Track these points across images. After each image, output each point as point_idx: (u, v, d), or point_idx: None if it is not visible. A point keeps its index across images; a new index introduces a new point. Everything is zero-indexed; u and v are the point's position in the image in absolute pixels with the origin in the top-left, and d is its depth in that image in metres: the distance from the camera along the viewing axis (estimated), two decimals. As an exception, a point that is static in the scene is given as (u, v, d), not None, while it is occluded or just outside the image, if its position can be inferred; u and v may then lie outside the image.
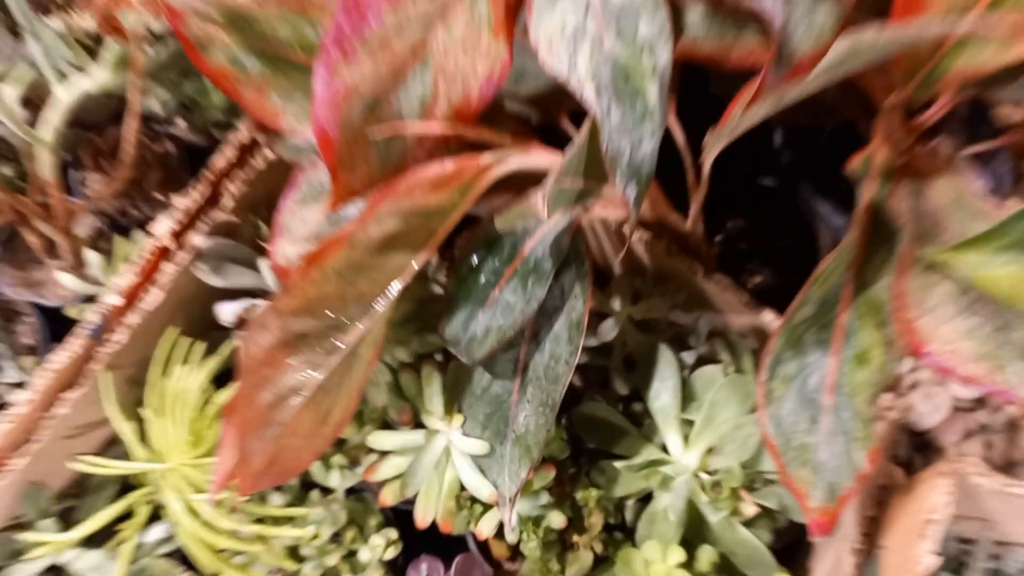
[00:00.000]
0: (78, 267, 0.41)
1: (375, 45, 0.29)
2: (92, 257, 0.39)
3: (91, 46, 0.38)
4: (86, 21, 0.42)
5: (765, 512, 0.34)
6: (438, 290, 0.38)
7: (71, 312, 0.40)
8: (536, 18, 0.30)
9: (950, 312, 0.28)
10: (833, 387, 0.30)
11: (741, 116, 0.31)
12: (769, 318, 0.36)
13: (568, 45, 0.30)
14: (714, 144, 0.32)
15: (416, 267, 0.29)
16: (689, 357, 0.37)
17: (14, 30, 0.41)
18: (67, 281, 0.39)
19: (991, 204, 0.31)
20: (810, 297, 0.29)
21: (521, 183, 0.35)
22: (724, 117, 0.31)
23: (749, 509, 0.33)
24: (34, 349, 0.43)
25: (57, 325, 0.42)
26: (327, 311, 0.27)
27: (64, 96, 0.35)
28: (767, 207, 0.45)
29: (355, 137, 0.30)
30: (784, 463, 0.29)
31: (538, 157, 0.34)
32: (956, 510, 0.32)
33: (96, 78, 0.36)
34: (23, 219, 0.39)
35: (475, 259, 0.32)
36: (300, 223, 0.35)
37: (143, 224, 0.42)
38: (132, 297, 0.34)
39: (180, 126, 0.43)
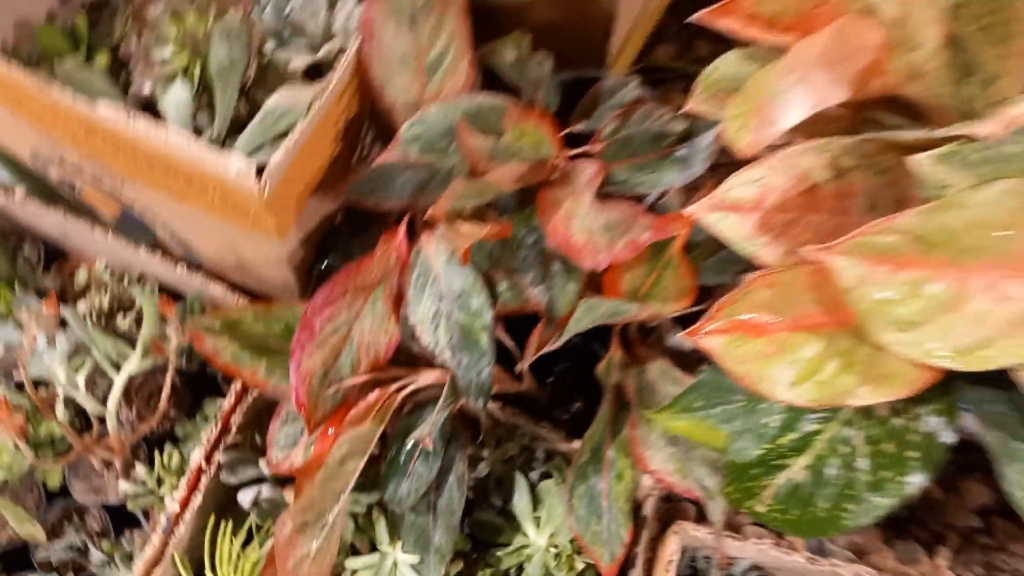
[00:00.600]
0: (128, 475, 0.59)
1: (321, 342, 0.49)
2: (140, 469, 0.57)
3: (131, 335, 0.57)
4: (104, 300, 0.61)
5: (588, 566, 0.54)
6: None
7: (131, 506, 0.58)
8: (412, 309, 0.51)
9: (660, 446, 0.50)
10: (607, 495, 0.51)
11: (537, 344, 0.52)
12: (576, 445, 0.57)
13: (432, 324, 0.50)
14: (526, 359, 0.53)
15: (360, 467, 0.49)
16: (535, 475, 0.57)
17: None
18: (125, 487, 0.57)
19: (684, 375, 0.53)
20: (586, 446, 0.51)
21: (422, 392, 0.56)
22: (527, 346, 0.52)
23: (579, 566, 0.54)
24: (103, 535, 0.61)
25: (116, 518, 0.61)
26: (317, 505, 0.46)
27: (119, 380, 0.54)
28: (579, 355, 0.66)
29: (316, 395, 0.50)
30: (585, 543, 0.50)
31: (427, 377, 0.54)
32: (694, 543, 0.53)
33: (138, 364, 0.54)
34: (89, 450, 0.57)
35: (395, 449, 0.52)
36: (283, 436, 0.54)
37: (167, 435, 0.61)
38: (185, 502, 0.53)
39: (185, 366, 0.62)
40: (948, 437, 0.44)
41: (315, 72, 0.63)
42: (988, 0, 0.44)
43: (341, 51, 0.61)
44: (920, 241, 0.39)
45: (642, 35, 0.77)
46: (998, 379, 0.42)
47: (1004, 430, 0.43)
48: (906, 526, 0.67)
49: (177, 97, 0.56)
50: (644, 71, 0.80)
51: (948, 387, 0.44)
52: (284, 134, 0.56)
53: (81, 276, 0.61)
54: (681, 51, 0.83)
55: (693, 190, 0.54)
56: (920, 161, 0.40)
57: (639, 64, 0.79)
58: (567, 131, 0.60)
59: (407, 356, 0.54)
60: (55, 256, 0.66)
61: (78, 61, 0.57)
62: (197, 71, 0.57)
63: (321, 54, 0.61)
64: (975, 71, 0.47)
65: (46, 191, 0.60)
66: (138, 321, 0.61)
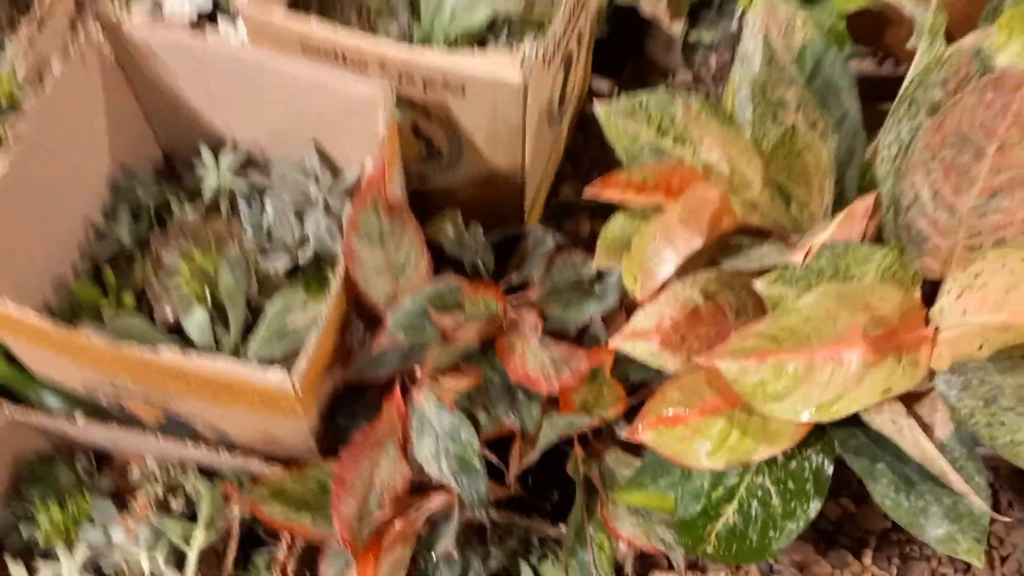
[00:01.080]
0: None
1: (353, 491, 0.62)
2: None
3: (186, 513, 0.68)
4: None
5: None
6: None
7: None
8: (416, 450, 0.64)
9: (626, 517, 0.64)
10: (594, 564, 0.64)
11: (518, 459, 0.66)
12: (563, 529, 0.70)
13: (434, 459, 0.64)
14: (512, 472, 0.67)
15: (403, 582, 0.61)
16: (535, 559, 0.70)
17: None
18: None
19: (633, 459, 0.67)
20: (571, 529, 0.64)
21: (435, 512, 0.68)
22: (510, 460, 0.66)
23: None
24: None
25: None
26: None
27: (192, 554, 0.66)
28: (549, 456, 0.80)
29: (356, 532, 0.62)
30: (585, 605, 0.63)
31: (437, 500, 0.67)
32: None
33: (204, 537, 0.66)
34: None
35: (423, 563, 0.64)
36: (331, 571, 0.66)
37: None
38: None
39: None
40: (830, 469, 0.59)
41: (294, 271, 0.77)
42: (786, 155, 0.61)
43: (316, 254, 0.76)
44: (773, 339, 0.54)
45: (547, 184, 0.93)
46: (854, 420, 0.57)
47: (865, 457, 0.58)
48: (834, 537, 0.82)
49: (198, 319, 0.69)
50: (554, 209, 0.97)
51: (821, 433, 0.59)
52: (286, 333, 0.70)
53: (134, 473, 0.73)
54: (581, 187, 1.00)
55: (609, 317, 0.69)
56: (759, 285, 0.56)
57: (549, 205, 0.96)
58: (506, 281, 0.75)
59: (418, 486, 0.67)
60: (100, 459, 0.77)
61: (113, 307, 0.70)
62: (209, 296, 0.70)
63: (300, 259, 0.75)
64: (792, 200, 0.64)
65: (95, 410, 0.72)
66: (187, 501, 0.72)
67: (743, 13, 0.88)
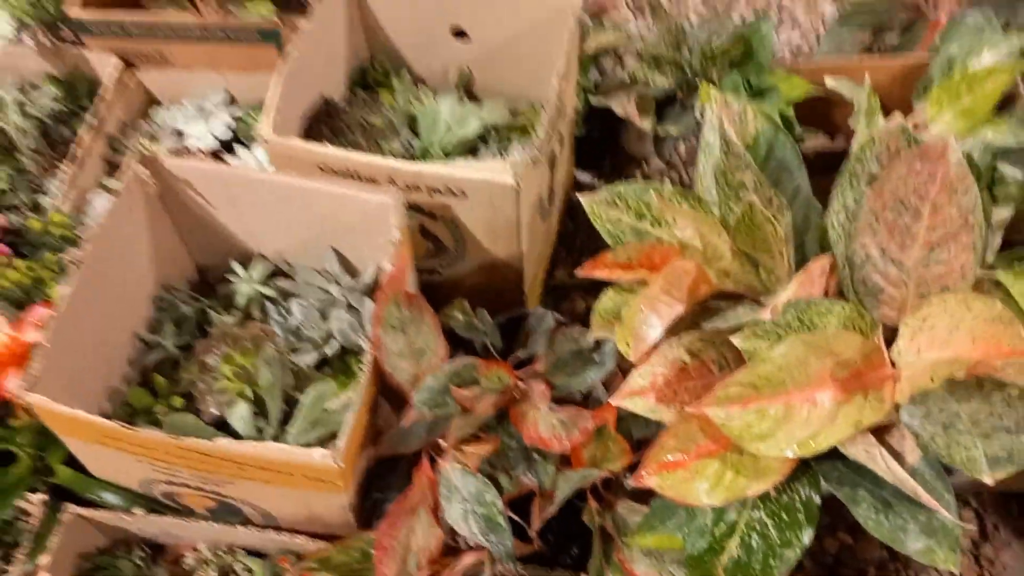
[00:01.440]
0: None
1: (393, 556, 0.68)
2: None
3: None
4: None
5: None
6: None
7: None
8: (447, 514, 0.70)
9: (641, 559, 0.70)
10: (615, 607, 0.69)
11: (539, 515, 0.72)
12: (587, 580, 0.76)
13: (465, 521, 0.70)
14: (534, 527, 0.73)
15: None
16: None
17: None
18: None
19: (641, 506, 0.73)
20: (590, 574, 0.70)
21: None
22: (532, 517, 0.72)
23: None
24: None
25: None
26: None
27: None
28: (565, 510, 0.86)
29: (399, 595, 0.68)
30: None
31: (468, 558, 0.73)
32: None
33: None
34: None
35: (461, 618, 0.70)
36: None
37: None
38: None
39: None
40: (818, 499, 0.66)
41: (322, 364, 0.84)
42: (748, 228, 0.69)
43: (341, 347, 0.83)
44: (752, 386, 0.61)
45: (543, 268, 1.02)
46: (834, 454, 0.64)
47: (846, 485, 0.65)
48: (835, 570, 0.87)
49: (241, 413, 0.76)
50: (551, 291, 1.05)
51: (806, 467, 0.66)
52: (320, 420, 0.77)
53: (189, 560, 0.78)
54: (573, 268, 1.08)
55: (609, 381, 0.76)
56: (736, 340, 0.64)
57: (546, 287, 1.04)
58: (514, 357, 0.83)
59: (451, 547, 0.73)
60: (155, 549, 0.83)
61: (165, 408, 0.77)
62: (250, 392, 0.78)
63: (327, 353, 0.83)
64: (759, 266, 0.72)
65: (150, 505, 0.78)
66: (238, 583, 0.78)
67: (703, 109, 0.99)
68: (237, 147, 1.07)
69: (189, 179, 0.80)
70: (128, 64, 1.08)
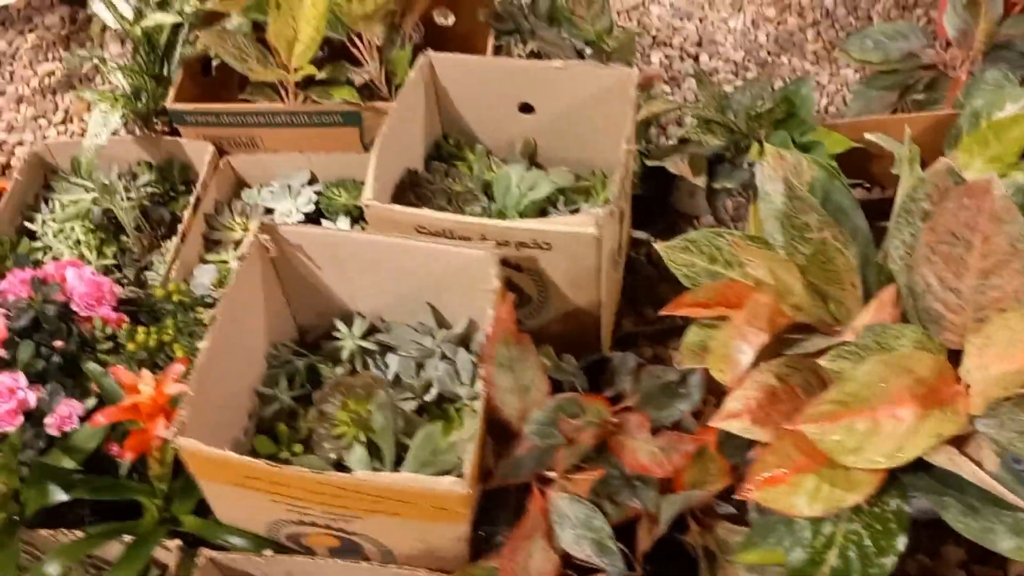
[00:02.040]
0: None
1: (514, 579, 0.72)
2: None
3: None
4: None
5: None
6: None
7: None
8: (560, 540, 0.75)
9: (746, 573, 0.73)
10: (723, 620, 0.73)
11: (647, 538, 0.76)
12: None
13: (578, 545, 0.74)
14: (641, 548, 0.77)
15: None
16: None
17: None
18: None
19: (740, 527, 0.77)
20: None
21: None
22: (637, 541, 0.76)
23: None
24: None
25: None
26: None
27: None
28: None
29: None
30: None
31: (576, 585, 0.77)
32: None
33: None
34: None
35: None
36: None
37: None
38: None
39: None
40: (908, 508, 0.70)
41: (420, 410, 0.90)
42: (821, 263, 0.76)
43: (439, 395, 0.89)
44: (842, 403, 0.67)
45: (613, 318, 1.08)
46: (920, 464, 0.69)
47: (934, 493, 0.69)
48: (916, 591, 0.90)
49: (358, 455, 0.82)
50: (620, 339, 1.11)
51: (895, 478, 0.71)
52: (430, 461, 0.82)
53: (309, 600, 0.82)
54: (638, 319, 1.15)
55: (697, 412, 0.82)
56: (823, 360, 0.69)
57: (615, 336, 1.10)
58: (602, 396, 0.88)
59: (565, 570, 0.77)
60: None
61: (288, 454, 0.83)
62: (364, 436, 0.83)
63: (426, 398, 0.89)
64: (829, 299, 0.78)
65: (274, 547, 0.83)
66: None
67: (751, 164, 1.07)
68: (324, 221, 1.15)
69: (301, 244, 0.87)
70: (219, 149, 1.17)
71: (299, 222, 1.15)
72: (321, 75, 1.11)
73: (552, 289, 0.91)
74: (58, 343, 0.89)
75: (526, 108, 1.07)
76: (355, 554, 0.81)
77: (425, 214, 0.87)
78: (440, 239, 0.88)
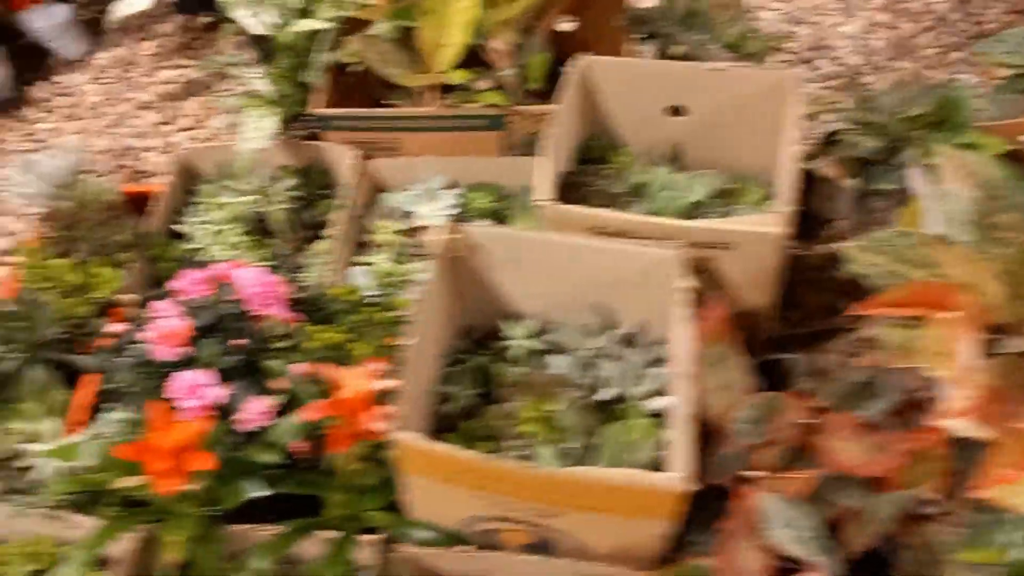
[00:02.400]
0: None
1: (729, 577, 0.72)
2: None
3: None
4: None
5: None
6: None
7: None
8: (769, 537, 0.74)
9: (965, 571, 0.73)
10: (941, 621, 0.72)
11: (864, 540, 0.76)
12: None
13: (791, 544, 0.74)
14: (857, 547, 0.76)
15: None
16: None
17: None
18: None
19: (951, 531, 0.76)
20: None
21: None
22: (852, 542, 0.76)
23: None
24: None
25: None
26: None
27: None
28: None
29: (738, 614, 0.71)
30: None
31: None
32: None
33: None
34: None
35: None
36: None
37: None
38: None
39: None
40: None
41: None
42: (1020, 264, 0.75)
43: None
44: (1074, 399, 0.66)
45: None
46: None
47: None
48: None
49: (546, 453, 0.82)
50: (769, 342, 1.10)
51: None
52: (620, 460, 0.82)
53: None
54: (783, 322, 1.14)
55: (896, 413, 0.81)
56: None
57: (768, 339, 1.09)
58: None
59: (778, 569, 0.76)
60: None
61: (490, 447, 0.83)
62: (552, 434, 0.83)
63: (599, 398, 0.89)
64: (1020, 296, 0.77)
65: (466, 544, 0.83)
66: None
67: (905, 166, 1.06)
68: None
69: (484, 243, 0.88)
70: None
71: (440, 226, 1.16)
72: (462, 80, 1.12)
73: (725, 290, 0.91)
74: (238, 341, 0.90)
75: (675, 111, 1.08)
76: (548, 550, 0.82)
77: (603, 214, 0.87)
78: (615, 239, 0.88)
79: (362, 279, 1.08)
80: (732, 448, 0.76)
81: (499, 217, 1.17)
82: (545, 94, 1.24)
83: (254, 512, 0.86)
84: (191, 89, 1.52)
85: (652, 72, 1.05)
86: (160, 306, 0.92)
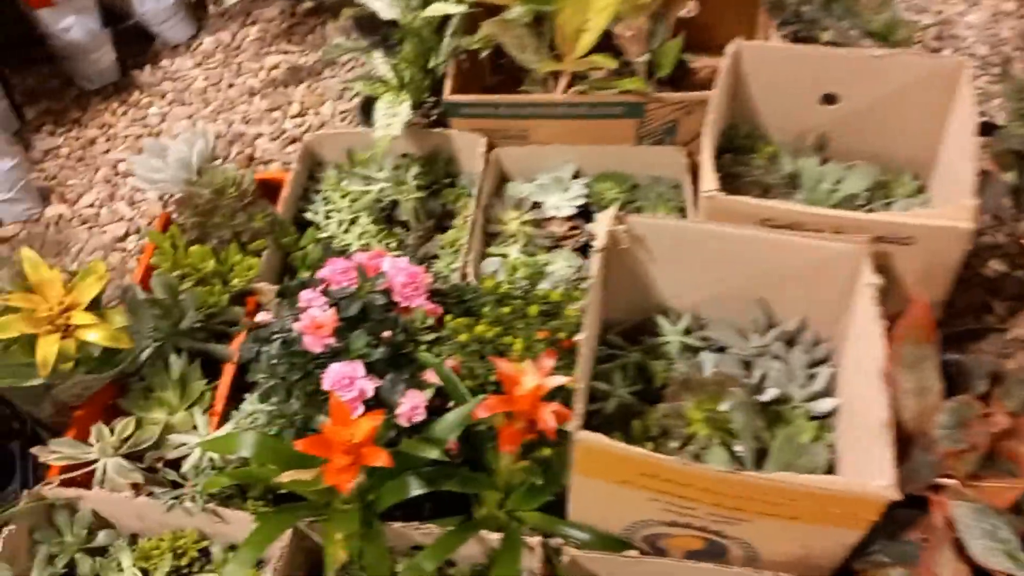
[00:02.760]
0: None
1: (932, 592, 0.68)
2: None
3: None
4: None
5: None
6: None
7: None
8: (968, 548, 0.71)
9: None
10: None
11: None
12: None
13: (990, 556, 0.70)
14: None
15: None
16: None
17: None
18: None
19: None
20: None
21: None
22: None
23: None
24: None
25: None
26: None
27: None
28: None
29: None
30: None
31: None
32: None
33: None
34: None
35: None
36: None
37: None
38: None
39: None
40: None
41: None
42: None
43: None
44: None
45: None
46: None
47: None
48: None
49: (719, 457, 0.79)
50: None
51: None
52: (792, 462, 0.78)
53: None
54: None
55: None
56: None
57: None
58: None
59: None
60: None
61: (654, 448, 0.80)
62: (722, 436, 0.80)
63: (761, 399, 0.85)
64: None
65: (625, 547, 0.80)
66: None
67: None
68: (596, 215, 1.13)
69: (646, 234, 0.85)
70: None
71: (569, 217, 1.14)
72: (604, 66, 1.09)
73: (896, 287, 0.87)
74: (386, 333, 0.89)
75: (828, 100, 1.03)
76: (718, 557, 0.79)
77: (776, 206, 0.84)
78: (786, 231, 0.84)
79: (495, 270, 1.06)
80: (930, 455, 0.72)
81: (630, 209, 1.14)
82: (668, 82, 1.21)
83: (392, 509, 0.84)
84: (298, 75, 1.51)
85: (808, 58, 1.01)
86: (307, 295, 0.90)
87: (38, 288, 0.79)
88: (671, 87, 1.20)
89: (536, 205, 1.15)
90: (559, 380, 0.74)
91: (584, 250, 1.12)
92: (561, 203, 1.14)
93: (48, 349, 0.77)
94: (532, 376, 0.74)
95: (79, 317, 0.79)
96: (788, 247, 0.83)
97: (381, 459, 0.70)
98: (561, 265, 1.08)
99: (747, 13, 1.28)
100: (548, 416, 0.72)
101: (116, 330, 0.81)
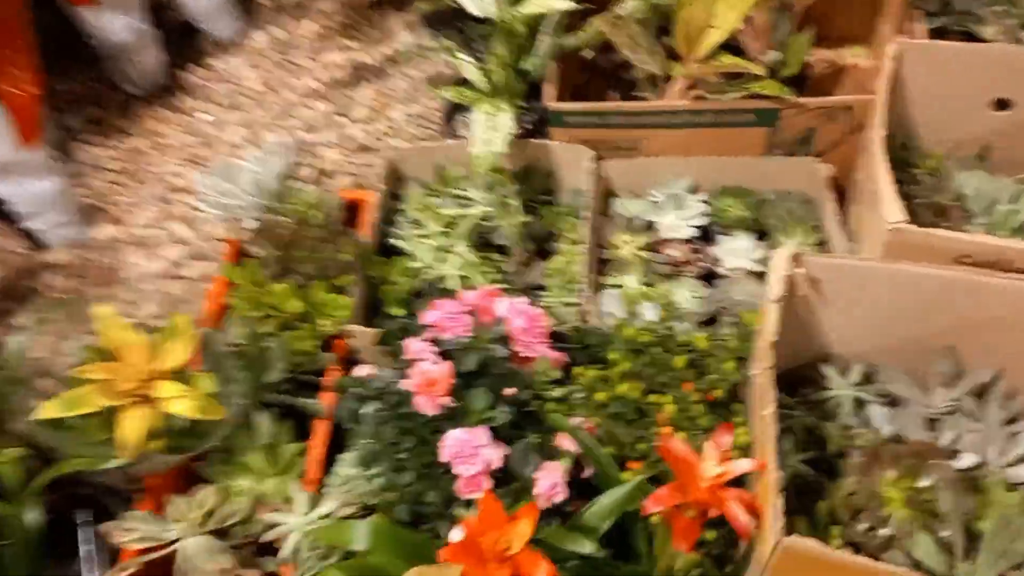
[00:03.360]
0: None
1: None
2: None
3: None
4: None
5: None
6: None
7: None
8: None
9: None
10: None
11: None
12: None
13: None
14: None
15: None
16: None
17: None
18: None
19: None
20: None
21: None
22: None
23: None
24: None
25: None
26: None
27: None
28: None
29: None
30: None
31: None
32: None
33: None
34: None
35: None
36: None
37: None
38: None
39: None
40: None
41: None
42: None
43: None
44: None
45: None
46: None
47: None
48: None
49: (925, 545, 0.67)
50: None
51: None
52: (1005, 551, 0.66)
53: None
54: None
55: None
56: None
57: None
58: None
59: None
60: None
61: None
62: (925, 519, 0.68)
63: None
64: None
65: None
66: None
67: None
68: (719, 238, 1.00)
69: (822, 276, 0.73)
70: (591, 155, 1.04)
71: (688, 239, 1.01)
72: (734, 67, 0.96)
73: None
74: (509, 390, 0.77)
75: (1000, 104, 0.90)
76: None
77: (983, 241, 0.71)
78: (988, 271, 0.72)
79: (613, 306, 0.93)
80: None
81: (756, 228, 1.01)
82: (792, 82, 1.07)
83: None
84: (360, 74, 1.38)
85: (981, 58, 0.87)
86: (416, 346, 0.78)
87: (118, 353, 0.68)
88: (795, 89, 1.06)
89: (648, 225, 1.03)
90: (746, 465, 0.62)
91: (708, 278, 0.99)
92: (678, 223, 1.01)
93: (131, 426, 0.66)
94: (712, 462, 0.61)
95: (165, 388, 0.67)
96: (991, 290, 0.70)
97: (542, 570, 0.58)
98: (686, 296, 0.95)
99: (872, 2, 1.14)
100: (738, 511, 0.60)
101: (206, 397, 0.70)
